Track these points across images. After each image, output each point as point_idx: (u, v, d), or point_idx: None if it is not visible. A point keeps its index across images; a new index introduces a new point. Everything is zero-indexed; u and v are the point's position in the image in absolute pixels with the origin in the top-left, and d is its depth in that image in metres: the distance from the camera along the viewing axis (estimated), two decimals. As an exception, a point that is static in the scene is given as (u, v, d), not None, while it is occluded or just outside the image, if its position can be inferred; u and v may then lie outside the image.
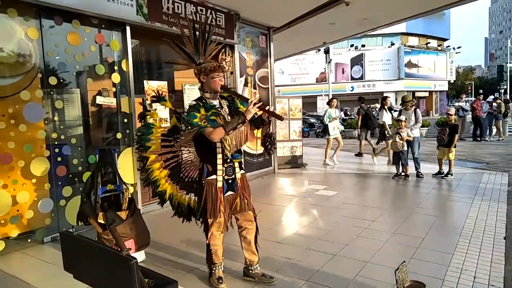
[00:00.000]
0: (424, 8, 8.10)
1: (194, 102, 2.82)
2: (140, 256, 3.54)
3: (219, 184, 2.86)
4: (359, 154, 10.58)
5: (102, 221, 3.25)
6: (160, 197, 3.17)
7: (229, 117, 2.85)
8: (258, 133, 3.17)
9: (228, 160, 2.88)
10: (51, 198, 4.20)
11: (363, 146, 10.64)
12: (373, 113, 11.93)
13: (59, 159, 4.30)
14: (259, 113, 2.84)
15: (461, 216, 4.73)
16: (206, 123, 2.69)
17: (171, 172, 3.11)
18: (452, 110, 7.31)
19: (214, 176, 2.86)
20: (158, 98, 3.05)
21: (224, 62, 2.79)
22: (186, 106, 6.43)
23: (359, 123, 10.40)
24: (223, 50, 3.00)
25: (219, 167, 2.85)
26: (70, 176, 4.43)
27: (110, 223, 3.22)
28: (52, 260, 3.61)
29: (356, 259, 3.51)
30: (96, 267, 1.85)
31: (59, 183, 4.30)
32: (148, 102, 5.30)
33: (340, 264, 3.44)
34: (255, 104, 2.69)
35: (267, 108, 2.79)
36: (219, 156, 2.83)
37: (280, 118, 2.86)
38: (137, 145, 3.10)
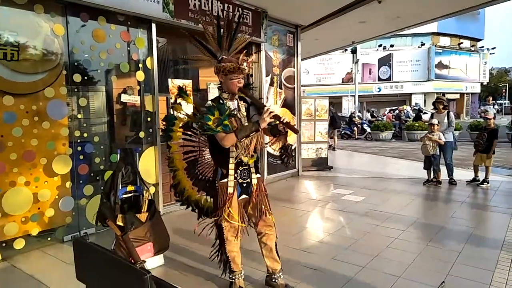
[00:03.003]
0: (459, 7, 7.70)
1: (210, 103, 2.70)
2: (158, 260, 3.43)
3: (230, 189, 2.76)
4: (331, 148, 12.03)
5: (121, 224, 3.16)
6: (174, 187, 3.22)
7: (245, 120, 2.76)
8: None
9: (243, 164, 2.78)
10: (72, 197, 4.17)
11: (337, 143, 13.22)
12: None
13: (81, 157, 4.26)
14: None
15: (501, 228, 4.39)
16: (219, 128, 2.57)
17: (188, 166, 3.10)
18: (491, 114, 6.87)
19: (226, 180, 2.77)
20: (180, 92, 3.06)
21: (244, 64, 2.64)
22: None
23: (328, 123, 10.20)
24: (244, 51, 2.87)
25: (231, 172, 2.75)
26: (92, 174, 4.39)
27: (129, 226, 3.12)
28: (71, 261, 3.49)
29: (386, 273, 3.27)
30: (108, 278, 1.73)
31: (81, 181, 4.26)
32: (172, 98, 5.28)
33: (369, 277, 3.21)
34: (270, 112, 2.56)
35: (282, 118, 2.64)
36: (232, 160, 2.73)
37: (295, 131, 2.73)
38: (162, 134, 3.20)
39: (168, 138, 3.17)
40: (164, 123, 3.17)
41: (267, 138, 2.95)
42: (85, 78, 4.42)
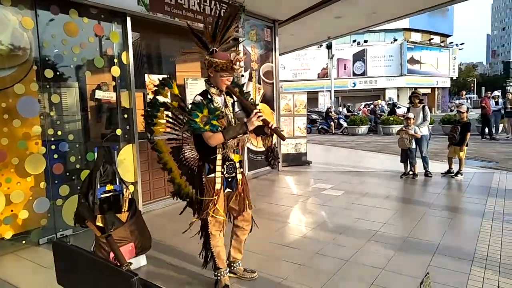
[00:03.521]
0: (433, 2, 7.86)
1: (199, 99, 2.66)
2: (141, 260, 3.34)
3: (218, 185, 2.74)
4: None
5: (100, 224, 3.05)
6: (163, 166, 3.15)
7: (232, 116, 2.76)
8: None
9: (229, 159, 2.77)
10: (47, 197, 3.99)
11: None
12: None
13: (55, 156, 4.08)
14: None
15: (476, 219, 4.52)
16: (206, 127, 2.55)
17: (172, 150, 3.03)
18: (464, 108, 7.06)
19: (213, 175, 2.75)
20: (165, 83, 2.96)
21: (237, 63, 2.60)
22: (189, 101, 6.23)
23: None
24: (237, 49, 2.86)
25: (218, 168, 2.73)
26: (67, 174, 4.22)
27: (109, 226, 3.01)
28: (48, 264, 3.40)
29: (370, 266, 3.30)
30: (93, 282, 1.65)
31: (56, 181, 4.08)
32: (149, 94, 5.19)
33: (354, 271, 3.23)
34: (259, 116, 2.56)
35: (270, 124, 2.68)
36: (219, 156, 2.71)
37: (282, 138, 2.76)
38: (145, 119, 3.03)
39: (150, 128, 2.96)
40: (148, 109, 2.97)
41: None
42: (57, 73, 4.24)
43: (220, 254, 2.89)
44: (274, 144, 2.89)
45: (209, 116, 2.56)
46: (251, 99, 2.96)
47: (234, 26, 2.75)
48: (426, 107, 7.12)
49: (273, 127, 2.66)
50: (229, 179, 2.81)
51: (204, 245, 2.99)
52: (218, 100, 2.73)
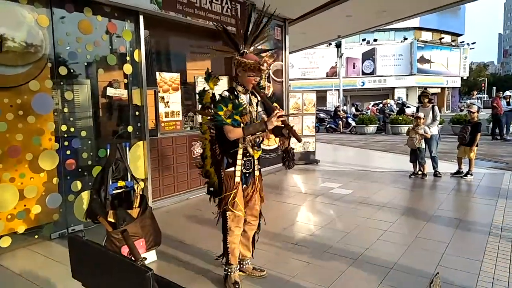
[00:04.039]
0: (443, 2, 7.80)
1: (226, 93, 2.74)
2: (151, 256, 3.39)
3: (237, 179, 2.79)
4: None
5: (112, 220, 3.10)
6: (203, 151, 3.12)
7: (255, 115, 2.82)
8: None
9: (248, 154, 2.82)
10: (60, 193, 4.06)
11: None
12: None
13: (68, 152, 4.14)
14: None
15: (486, 220, 4.49)
16: (228, 120, 2.62)
17: (210, 139, 3.02)
18: (475, 108, 7.00)
19: (232, 169, 2.79)
20: (206, 75, 3.00)
21: (265, 65, 2.66)
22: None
23: None
24: (269, 52, 2.91)
25: (239, 162, 2.78)
26: (80, 170, 4.28)
27: (120, 222, 3.06)
28: (60, 259, 3.47)
29: (379, 265, 3.31)
30: (107, 276, 1.69)
31: (68, 177, 4.15)
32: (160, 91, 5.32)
33: (362, 270, 3.24)
34: (279, 117, 2.62)
35: (289, 126, 2.74)
36: (240, 151, 2.77)
37: (299, 139, 2.78)
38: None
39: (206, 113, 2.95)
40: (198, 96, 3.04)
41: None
42: (71, 71, 4.30)
43: (234, 251, 2.93)
44: (291, 146, 2.92)
45: (232, 111, 2.64)
46: (273, 99, 3.01)
47: (266, 31, 2.82)
48: (436, 107, 7.06)
49: (291, 128, 2.73)
50: (246, 175, 2.86)
51: (223, 240, 2.99)
52: (244, 98, 2.80)
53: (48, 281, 3.10)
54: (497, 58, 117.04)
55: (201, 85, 6.12)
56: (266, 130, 2.67)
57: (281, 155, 3.01)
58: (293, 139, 2.79)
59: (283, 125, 2.71)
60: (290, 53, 8.98)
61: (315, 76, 35.96)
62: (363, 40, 34.87)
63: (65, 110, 4.23)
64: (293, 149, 2.96)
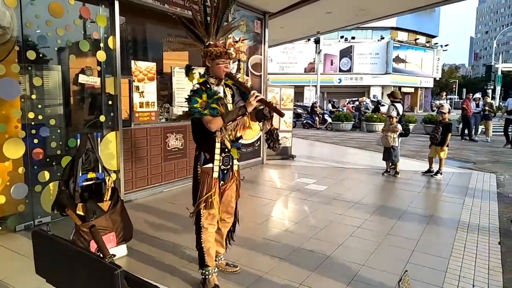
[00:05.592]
0: (420, 3, 7.95)
1: (198, 86, 2.63)
2: (121, 251, 3.29)
3: (215, 174, 2.70)
4: None
5: (81, 213, 2.99)
6: None
7: (231, 106, 2.70)
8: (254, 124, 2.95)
9: (226, 150, 2.73)
10: (26, 183, 3.88)
11: None
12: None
13: (35, 141, 3.95)
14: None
15: (454, 218, 4.63)
16: (206, 111, 2.52)
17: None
18: (446, 108, 7.20)
19: (210, 165, 2.69)
20: (188, 70, 2.84)
21: (231, 48, 2.57)
22: (174, 90, 6.14)
23: None
24: (233, 36, 2.80)
25: (217, 156, 2.68)
26: (48, 160, 4.11)
27: (90, 215, 2.96)
28: (24, 252, 3.32)
29: (351, 262, 3.35)
30: (73, 273, 1.61)
31: (35, 167, 3.97)
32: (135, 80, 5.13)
33: (335, 266, 3.27)
34: (256, 96, 2.50)
35: (269, 102, 2.62)
36: (218, 145, 2.66)
37: (281, 114, 2.66)
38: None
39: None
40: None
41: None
42: (41, 55, 4.10)
43: (210, 250, 2.78)
44: (274, 126, 2.82)
45: (208, 101, 2.54)
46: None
47: (226, 18, 2.72)
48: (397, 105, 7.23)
49: (271, 105, 2.59)
50: (224, 171, 2.78)
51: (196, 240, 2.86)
52: (217, 89, 2.69)
53: (11, 276, 2.96)
54: (468, 60, 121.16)
55: (177, 75, 6.00)
56: (247, 113, 2.55)
57: (265, 137, 2.90)
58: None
59: (262, 105, 2.60)
60: (269, 47, 8.95)
61: (293, 71, 36.11)
62: (341, 37, 35.26)
63: (33, 96, 4.04)
64: (277, 129, 2.85)
